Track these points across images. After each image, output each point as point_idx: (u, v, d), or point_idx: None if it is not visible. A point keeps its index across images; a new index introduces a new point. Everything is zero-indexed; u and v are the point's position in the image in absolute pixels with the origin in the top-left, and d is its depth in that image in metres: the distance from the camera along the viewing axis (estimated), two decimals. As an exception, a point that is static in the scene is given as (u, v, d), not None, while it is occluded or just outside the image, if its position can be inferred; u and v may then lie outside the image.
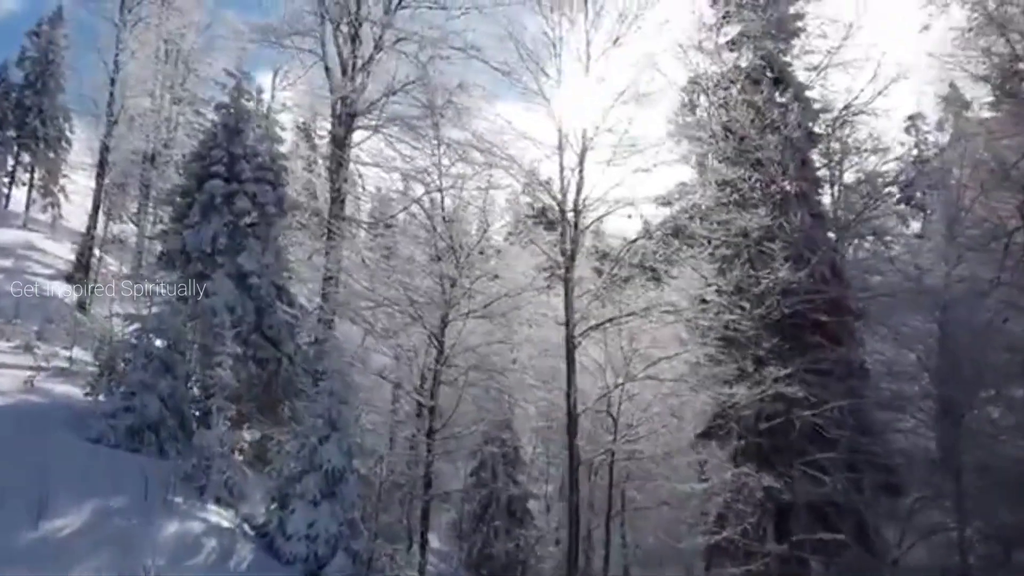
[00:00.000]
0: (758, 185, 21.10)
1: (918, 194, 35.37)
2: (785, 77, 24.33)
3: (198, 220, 21.87)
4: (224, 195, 21.96)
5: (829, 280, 21.28)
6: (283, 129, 26.42)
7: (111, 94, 32.77)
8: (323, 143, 34.08)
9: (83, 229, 37.44)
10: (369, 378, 21.31)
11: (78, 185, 42.29)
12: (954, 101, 44.67)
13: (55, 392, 18.86)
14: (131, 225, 41.34)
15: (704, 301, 19.81)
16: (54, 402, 17.95)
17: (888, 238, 24.96)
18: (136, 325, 18.33)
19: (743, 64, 24.27)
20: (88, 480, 14.36)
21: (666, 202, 21.82)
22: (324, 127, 35.24)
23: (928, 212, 24.38)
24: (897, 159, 24.92)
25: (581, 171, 20.05)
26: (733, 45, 24.80)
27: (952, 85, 35.91)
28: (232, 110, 23.14)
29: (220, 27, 37.23)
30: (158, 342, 18.06)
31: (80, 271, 31.99)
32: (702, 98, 25.20)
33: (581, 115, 20.23)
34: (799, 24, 24.98)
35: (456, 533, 25.54)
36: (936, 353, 19.62)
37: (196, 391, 19.28)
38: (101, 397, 17.84)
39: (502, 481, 24.75)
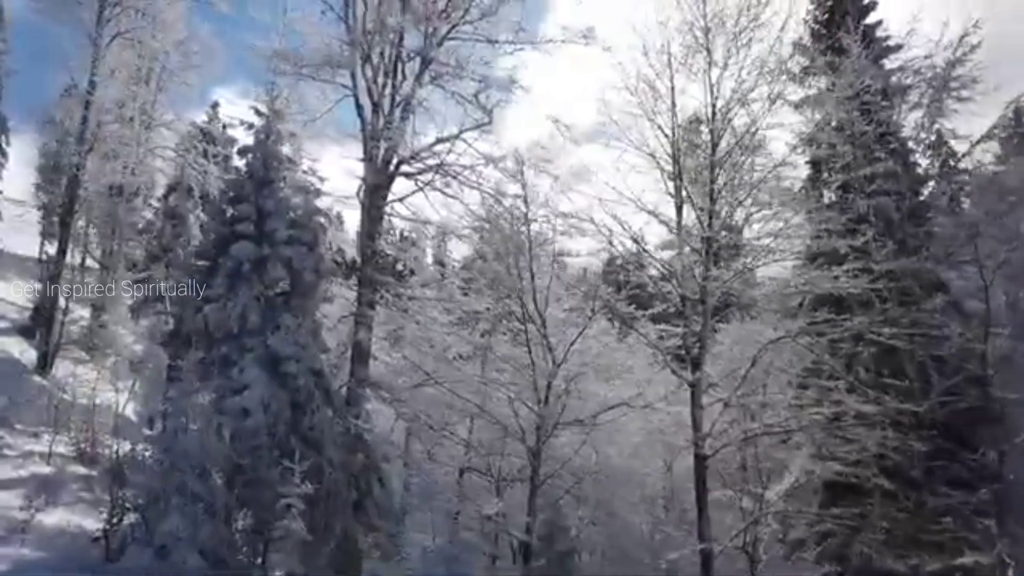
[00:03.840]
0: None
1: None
2: (889, 135, 21.68)
3: (223, 292, 17.54)
4: (254, 261, 17.77)
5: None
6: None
7: (84, 118, 27.87)
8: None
9: (24, 254, 33.49)
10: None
11: (13, 200, 36.63)
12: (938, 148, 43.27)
13: (50, 529, 14.39)
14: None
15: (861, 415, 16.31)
16: (57, 556, 13.46)
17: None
18: (162, 454, 13.95)
19: (835, 122, 21.20)
20: None
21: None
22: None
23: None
24: None
25: (708, 249, 16.49)
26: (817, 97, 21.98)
27: (938, 132, 33.78)
28: (259, 155, 18.90)
29: (194, 43, 33.36)
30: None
31: (41, 325, 26.87)
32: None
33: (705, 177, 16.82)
34: (899, 78, 22.48)
35: None
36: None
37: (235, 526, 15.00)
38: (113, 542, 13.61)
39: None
